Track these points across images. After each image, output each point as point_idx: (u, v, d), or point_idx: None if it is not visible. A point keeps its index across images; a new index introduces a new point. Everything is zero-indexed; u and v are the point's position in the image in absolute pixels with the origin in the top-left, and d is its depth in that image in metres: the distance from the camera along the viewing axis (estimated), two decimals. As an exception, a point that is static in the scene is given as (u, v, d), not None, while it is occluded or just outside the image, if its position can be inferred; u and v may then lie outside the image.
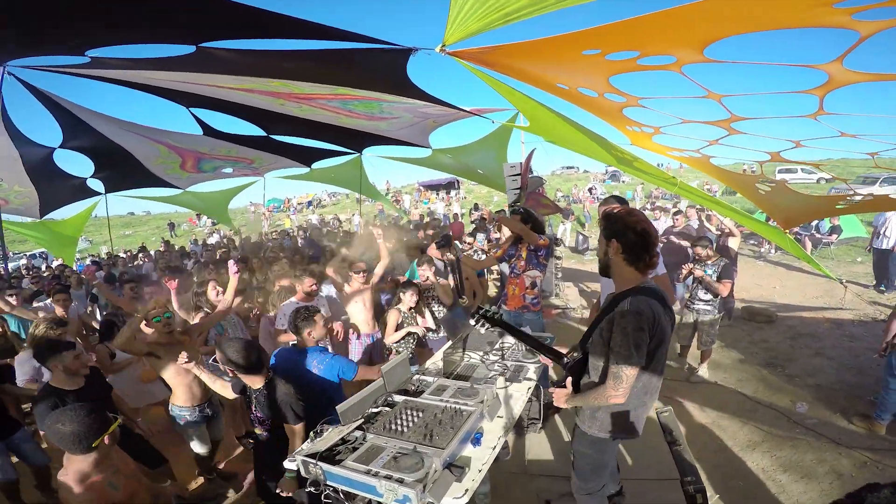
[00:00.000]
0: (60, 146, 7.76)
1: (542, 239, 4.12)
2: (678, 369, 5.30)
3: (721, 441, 3.90)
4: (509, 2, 2.03)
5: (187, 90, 5.65)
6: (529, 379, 3.08)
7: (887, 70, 2.10)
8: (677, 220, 7.07)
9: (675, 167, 20.31)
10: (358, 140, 8.21)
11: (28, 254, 23.88)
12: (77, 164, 8.76)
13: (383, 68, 4.01)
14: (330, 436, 2.37)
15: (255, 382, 2.76)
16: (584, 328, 2.47)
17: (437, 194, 30.48)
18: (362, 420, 2.46)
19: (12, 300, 5.09)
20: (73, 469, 2.03)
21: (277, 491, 2.52)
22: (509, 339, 3.61)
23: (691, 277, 5.08)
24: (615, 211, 2.26)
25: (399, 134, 7.58)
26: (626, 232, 2.08)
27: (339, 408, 2.45)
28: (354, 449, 2.17)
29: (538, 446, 3.88)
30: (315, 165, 10.57)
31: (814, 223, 12.33)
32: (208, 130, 7.53)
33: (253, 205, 34.45)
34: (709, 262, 4.96)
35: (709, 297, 4.95)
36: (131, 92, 5.87)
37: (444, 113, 6.02)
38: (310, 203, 35.12)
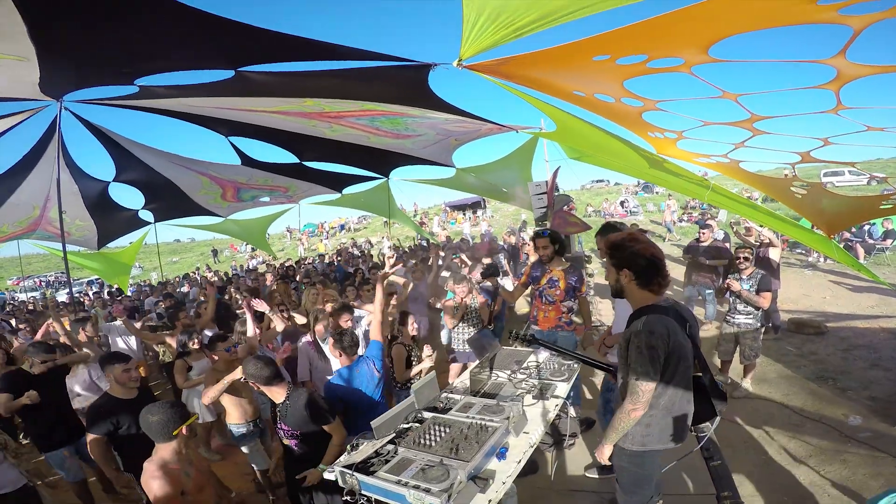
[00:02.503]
0: (114, 179, 8.38)
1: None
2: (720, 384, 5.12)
3: (767, 456, 3.76)
4: (519, 18, 2.15)
5: (226, 117, 6.06)
6: (557, 396, 3.09)
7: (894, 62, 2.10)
8: (703, 234, 6.90)
9: (713, 175, 19.78)
10: (385, 163, 8.50)
11: (86, 280, 25.53)
12: (129, 197, 9.41)
13: (406, 83, 4.22)
14: (365, 449, 2.51)
15: (278, 395, 2.96)
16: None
17: (464, 214, 30.60)
18: (394, 435, 2.58)
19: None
20: (158, 456, 2.39)
21: (299, 477, 2.76)
22: (536, 358, 3.64)
23: (729, 291, 4.91)
24: (620, 239, 2.29)
25: (423, 153, 7.80)
26: (635, 259, 2.19)
27: (374, 423, 2.59)
28: (387, 461, 2.28)
29: (568, 462, 3.84)
30: (345, 191, 10.94)
31: (865, 229, 11.70)
32: (246, 160, 8.00)
33: (289, 230, 35.70)
34: (744, 274, 4.81)
35: (749, 309, 4.78)
36: (175, 123, 6.32)
37: (466, 130, 6.18)
38: (342, 227, 35.96)
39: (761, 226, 6.16)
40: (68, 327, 5.39)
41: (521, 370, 3.52)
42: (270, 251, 18.03)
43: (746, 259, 4.85)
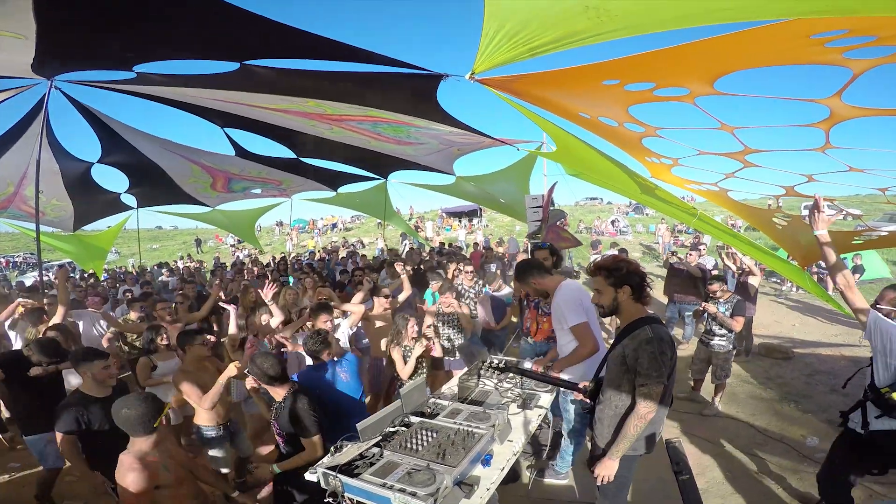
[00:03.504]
0: (98, 161, 8.13)
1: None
2: (691, 402, 5.29)
3: (730, 472, 3.91)
4: (537, 37, 2.22)
5: (225, 109, 5.98)
6: (541, 407, 3.17)
7: (885, 105, 2.25)
8: (690, 255, 7.10)
9: (700, 201, 20.24)
10: (384, 165, 8.49)
11: (57, 263, 24.76)
12: (112, 180, 9.16)
13: (415, 92, 4.26)
14: (349, 451, 2.51)
15: (278, 395, 2.93)
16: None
17: (460, 221, 30.71)
18: (380, 438, 2.59)
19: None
20: (135, 449, 2.33)
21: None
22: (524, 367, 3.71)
23: (706, 313, 5.12)
24: (612, 261, 2.48)
25: (425, 160, 7.84)
26: (631, 276, 2.41)
27: (359, 425, 2.59)
28: (372, 464, 2.29)
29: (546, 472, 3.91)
30: (341, 189, 10.90)
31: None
32: (241, 152, 7.90)
33: (279, 224, 35.29)
34: (721, 298, 5.00)
35: (723, 331, 4.98)
36: (170, 110, 6.19)
37: (469, 142, 6.24)
38: (334, 226, 35.75)
39: (744, 254, 6.37)
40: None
41: (508, 379, 3.58)
42: (258, 244, 17.79)
43: (720, 288, 5.05)
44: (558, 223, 7.41)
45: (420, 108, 4.63)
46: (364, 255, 14.39)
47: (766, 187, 3.53)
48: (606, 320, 5.60)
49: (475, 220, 30.55)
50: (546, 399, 3.29)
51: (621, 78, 2.57)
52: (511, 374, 3.59)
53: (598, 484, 2.49)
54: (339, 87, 4.39)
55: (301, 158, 8.14)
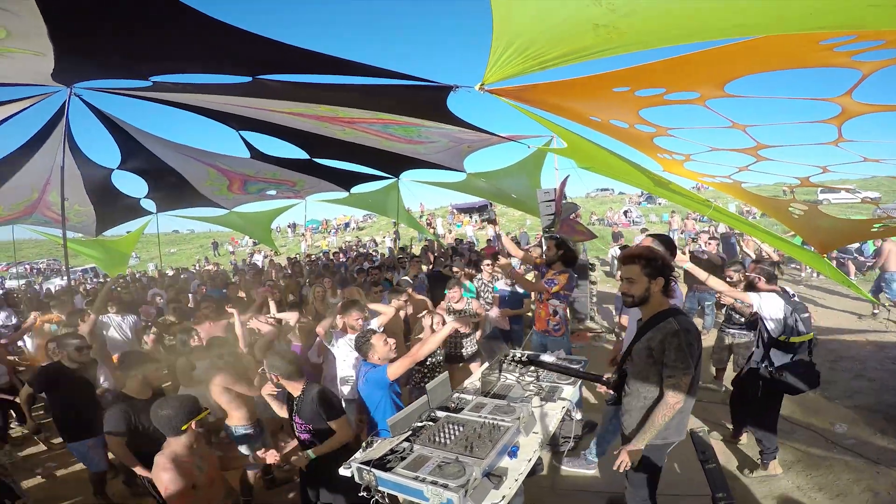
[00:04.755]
0: (118, 167, 8.37)
1: (552, 285, 4.29)
2: (714, 392, 5.28)
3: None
4: (546, 52, 2.26)
5: (240, 112, 6.09)
6: (564, 399, 3.21)
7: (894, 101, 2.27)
8: (710, 244, 7.04)
9: (709, 190, 20.00)
10: (396, 164, 8.55)
11: (80, 269, 25.35)
12: (132, 185, 9.42)
13: (426, 101, 4.31)
14: (380, 446, 2.59)
15: (296, 389, 3.01)
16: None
17: (471, 217, 30.67)
18: (409, 433, 2.67)
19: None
20: (170, 450, 2.43)
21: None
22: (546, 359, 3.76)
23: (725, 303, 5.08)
24: (649, 251, 2.51)
25: (435, 158, 7.88)
26: (666, 268, 2.45)
27: (390, 421, 2.68)
28: (403, 458, 2.37)
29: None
30: (354, 189, 10.98)
31: (853, 246, 11.92)
32: (256, 154, 8.03)
33: (292, 226, 35.63)
34: (738, 287, 4.94)
35: (743, 319, 4.95)
36: (185, 114, 6.34)
37: (479, 138, 6.28)
38: (347, 225, 36.00)
39: (761, 241, 6.32)
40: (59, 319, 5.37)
41: (529, 373, 3.63)
42: (274, 246, 18.02)
43: (736, 273, 5.00)
44: (572, 216, 7.40)
45: (431, 114, 4.69)
46: (384, 255, 14.52)
47: (781, 179, 3.52)
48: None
49: (485, 216, 30.44)
50: (569, 391, 3.33)
51: (631, 85, 2.61)
52: (533, 368, 3.67)
53: (619, 469, 2.51)
54: (350, 97, 4.47)
55: (314, 159, 8.24)
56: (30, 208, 9.79)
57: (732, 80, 2.34)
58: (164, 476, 2.32)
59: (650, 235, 3.34)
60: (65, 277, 8.11)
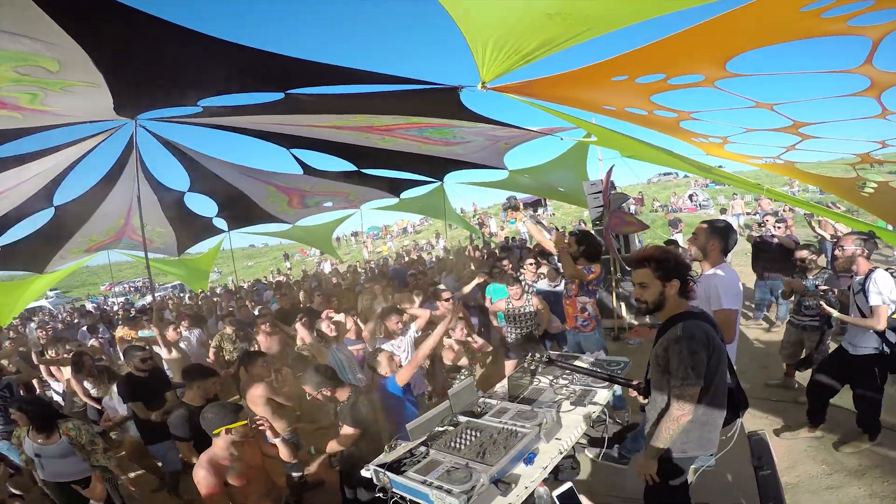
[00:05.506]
0: (189, 190, 9.08)
1: (590, 272, 4.12)
2: (784, 390, 4.81)
3: (826, 465, 3.53)
4: (523, 46, 2.20)
5: (285, 132, 6.45)
6: (596, 403, 3.05)
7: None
8: (779, 227, 6.38)
9: (748, 170, 18.15)
10: (438, 167, 8.64)
11: (170, 285, 27.97)
12: (204, 206, 10.19)
13: (442, 103, 4.33)
14: (400, 449, 2.64)
15: (343, 395, 3.20)
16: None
17: (535, 214, 30.14)
18: (427, 437, 2.68)
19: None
20: (211, 450, 2.70)
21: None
22: (579, 363, 3.61)
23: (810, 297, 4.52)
24: (660, 252, 2.30)
25: (475, 157, 7.86)
26: (681, 269, 2.25)
27: (409, 426, 2.71)
28: (417, 462, 2.39)
29: (604, 469, 3.75)
30: (403, 195, 11.21)
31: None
32: (307, 169, 8.45)
33: (355, 234, 37.03)
34: (810, 275, 4.44)
35: (816, 309, 4.43)
36: (240, 137, 6.79)
37: (514, 134, 6.17)
38: (405, 229, 36.81)
39: (836, 222, 5.66)
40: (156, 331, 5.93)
41: (564, 376, 3.50)
42: (337, 255, 18.81)
43: (809, 259, 4.49)
44: (623, 206, 7.06)
45: (451, 114, 4.69)
46: (437, 257, 14.68)
47: (837, 157, 3.14)
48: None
49: (540, 210, 29.77)
50: (603, 395, 3.16)
51: (629, 73, 2.46)
52: (568, 371, 3.53)
53: (643, 480, 2.37)
54: (375, 103, 4.58)
55: (361, 170, 8.51)
56: (119, 234, 10.91)
57: (732, 59, 2.13)
58: (199, 472, 2.58)
59: (707, 223, 2.94)
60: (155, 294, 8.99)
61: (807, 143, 2.97)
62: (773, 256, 6.45)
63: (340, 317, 4.94)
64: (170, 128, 6.41)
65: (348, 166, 8.21)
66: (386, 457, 2.57)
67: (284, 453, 3.03)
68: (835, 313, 3.91)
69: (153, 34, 3.20)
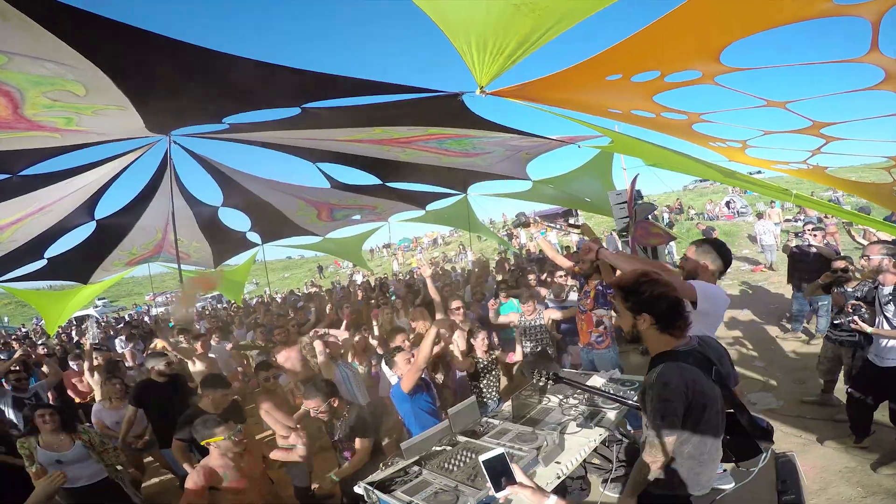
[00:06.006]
0: (222, 205, 9.38)
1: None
2: (821, 407, 4.47)
3: (862, 488, 3.25)
4: (504, 46, 2.14)
5: (310, 146, 6.57)
6: (604, 425, 2.90)
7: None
8: (815, 235, 5.98)
9: (770, 175, 17.09)
10: (461, 179, 8.61)
11: (209, 296, 28.92)
12: (237, 220, 10.51)
13: (444, 110, 4.29)
14: (394, 467, 2.58)
15: (342, 407, 3.19)
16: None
17: (555, 224, 29.64)
18: (421, 457, 2.61)
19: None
20: (208, 456, 2.79)
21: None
22: (591, 382, 3.47)
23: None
24: (635, 280, 2.00)
25: (496, 168, 7.78)
26: (655, 303, 1.92)
27: (403, 445, 2.65)
28: (407, 482, 2.33)
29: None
30: (429, 207, 11.23)
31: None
32: (334, 183, 8.58)
33: (387, 246, 37.44)
34: (849, 286, 4.11)
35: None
36: (268, 152, 6.96)
37: (534, 144, 6.08)
38: (435, 241, 36.90)
39: (877, 230, 5.25)
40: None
41: (575, 395, 3.36)
42: (367, 267, 19.01)
43: (844, 269, 4.18)
44: (649, 217, 6.81)
45: (465, 122, 4.64)
46: (465, 269, 14.61)
47: (868, 160, 2.89)
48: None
49: (571, 220, 29.19)
50: (612, 416, 3.00)
51: (622, 71, 2.34)
52: (578, 390, 3.38)
53: None
54: (388, 115, 4.60)
55: (386, 183, 8.59)
56: (157, 247, 11.39)
57: (723, 50, 1.97)
58: (191, 475, 2.69)
59: (695, 242, 2.70)
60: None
61: (832, 145, 2.75)
62: (810, 267, 6.07)
63: (340, 332, 4.97)
64: (202, 144, 6.66)
65: (373, 180, 8.30)
66: (377, 474, 2.53)
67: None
68: (869, 329, 3.60)
69: (171, 54, 3.29)
